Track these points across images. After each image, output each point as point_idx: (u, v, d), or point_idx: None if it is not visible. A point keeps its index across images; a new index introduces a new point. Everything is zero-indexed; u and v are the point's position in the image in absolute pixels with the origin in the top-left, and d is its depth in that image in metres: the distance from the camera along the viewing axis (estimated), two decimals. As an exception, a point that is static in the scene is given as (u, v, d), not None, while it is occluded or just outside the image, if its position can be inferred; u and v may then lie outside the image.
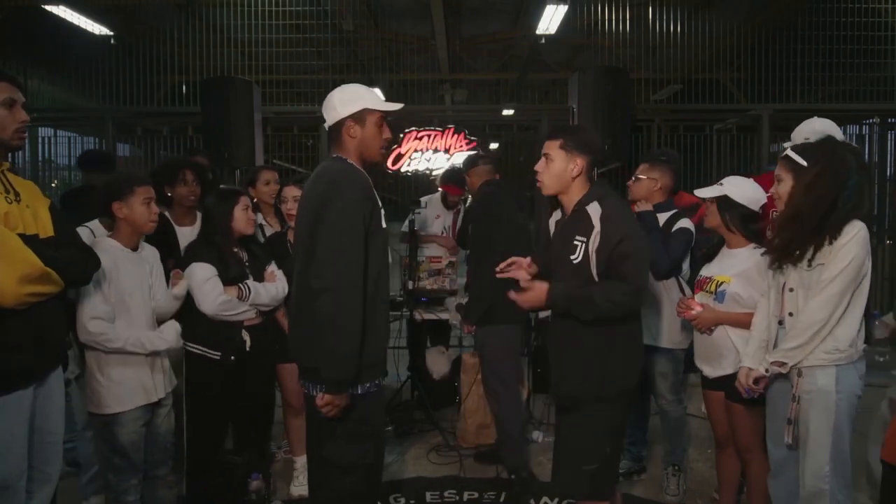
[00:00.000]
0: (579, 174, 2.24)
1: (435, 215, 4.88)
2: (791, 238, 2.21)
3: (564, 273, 2.25)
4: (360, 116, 2.15)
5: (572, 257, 2.20)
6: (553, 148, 2.26)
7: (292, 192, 3.19)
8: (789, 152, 2.27)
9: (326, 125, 2.20)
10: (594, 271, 2.17)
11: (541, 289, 2.23)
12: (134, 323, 2.47)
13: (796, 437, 2.25)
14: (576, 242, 2.20)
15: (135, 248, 2.54)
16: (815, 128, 2.70)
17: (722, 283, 2.61)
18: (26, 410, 2.03)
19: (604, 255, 2.15)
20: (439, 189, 4.90)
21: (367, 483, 2.20)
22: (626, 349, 2.27)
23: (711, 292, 2.64)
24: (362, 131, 2.16)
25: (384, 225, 2.16)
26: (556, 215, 2.46)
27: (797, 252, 2.20)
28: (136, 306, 2.48)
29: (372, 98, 2.17)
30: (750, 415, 2.55)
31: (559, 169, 2.25)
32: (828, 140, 2.28)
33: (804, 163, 2.20)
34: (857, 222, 2.16)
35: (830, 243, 2.13)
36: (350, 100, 2.15)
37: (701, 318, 2.64)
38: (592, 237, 2.16)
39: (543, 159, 2.29)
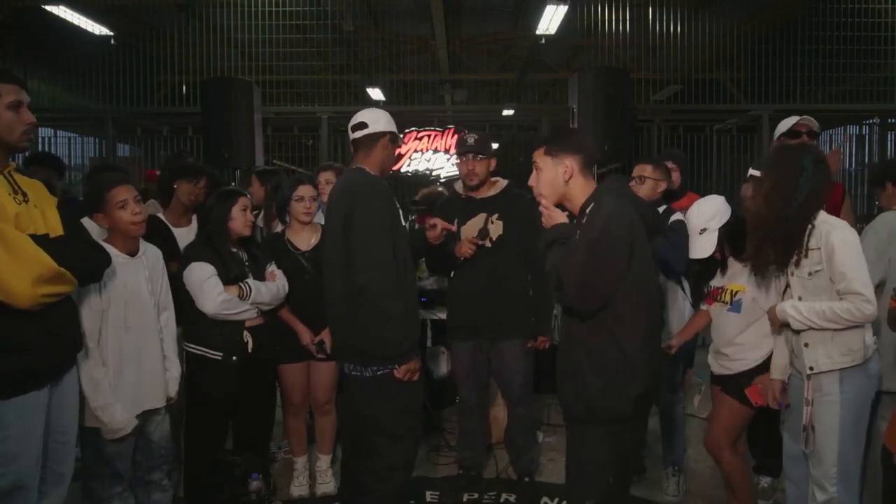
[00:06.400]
0: (571, 176, 2.12)
1: None
2: (759, 244, 2.26)
3: None
4: (393, 137, 2.59)
5: None
6: (539, 156, 2.16)
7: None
8: (752, 171, 2.43)
9: (365, 132, 2.51)
10: None
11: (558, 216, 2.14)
12: (132, 332, 2.42)
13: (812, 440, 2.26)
14: None
15: (133, 253, 2.48)
16: (781, 125, 2.97)
17: (737, 291, 2.58)
18: (42, 411, 2.03)
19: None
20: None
21: (414, 453, 2.57)
22: (623, 366, 2.03)
23: (726, 302, 2.61)
24: (391, 149, 2.60)
25: (403, 223, 2.50)
26: None
27: (770, 256, 2.24)
28: (135, 311, 2.44)
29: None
30: (737, 412, 2.58)
31: (550, 176, 2.14)
32: (781, 147, 2.40)
33: (759, 174, 2.33)
34: (835, 222, 2.20)
35: (805, 249, 2.17)
36: (391, 122, 2.59)
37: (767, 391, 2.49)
38: None
39: (534, 171, 2.19)
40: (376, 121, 2.53)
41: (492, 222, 3.15)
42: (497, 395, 3.85)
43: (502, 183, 3.28)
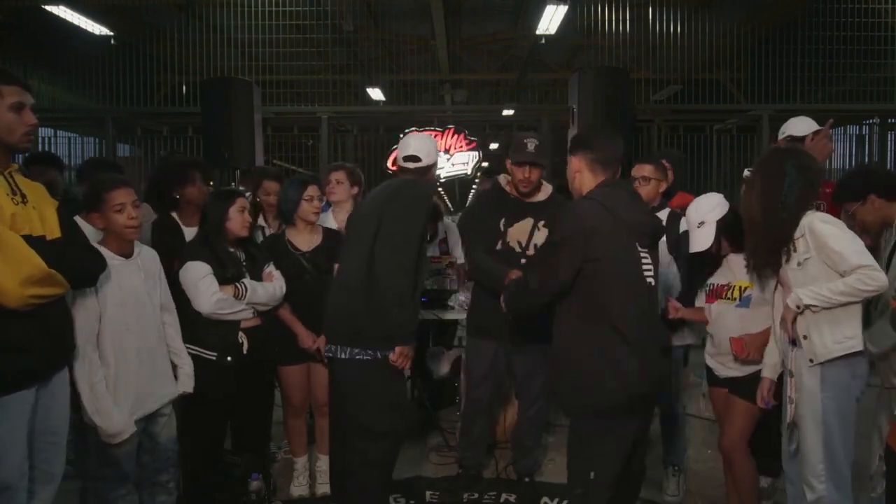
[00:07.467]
0: (577, 171, 2.33)
1: None
2: (755, 242, 2.32)
3: None
4: None
5: None
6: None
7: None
8: (746, 172, 2.48)
9: (419, 165, 2.72)
10: None
11: None
12: (133, 333, 2.40)
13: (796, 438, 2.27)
14: None
15: (128, 255, 2.46)
16: (788, 125, 3.06)
17: (746, 287, 2.57)
18: (28, 411, 2.03)
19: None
20: None
21: (396, 451, 2.61)
22: (598, 360, 2.15)
23: (734, 299, 2.60)
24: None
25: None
26: None
27: (766, 255, 2.28)
28: (134, 313, 2.41)
29: None
30: (747, 414, 2.57)
31: (569, 174, 2.36)
32: (770, 151, 2.49)
33: (748, 174, 2.41)
34: (816, 214, 2.25)
35: (794, 243, 2.21)
36: (436, 147, 2.88)
37: (751, 347, 2.51)
38: None
39: None
40: (428, 154, 2.73)
41: (538, 229, 3.11)
42: (508, 395, 3.86)
43: (548, 188, 3.25)
